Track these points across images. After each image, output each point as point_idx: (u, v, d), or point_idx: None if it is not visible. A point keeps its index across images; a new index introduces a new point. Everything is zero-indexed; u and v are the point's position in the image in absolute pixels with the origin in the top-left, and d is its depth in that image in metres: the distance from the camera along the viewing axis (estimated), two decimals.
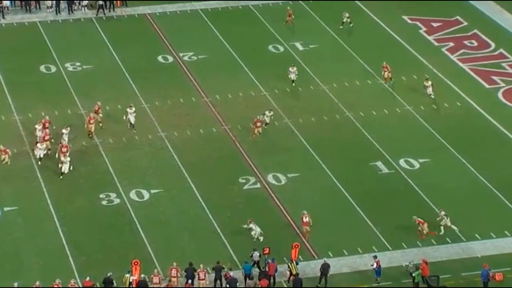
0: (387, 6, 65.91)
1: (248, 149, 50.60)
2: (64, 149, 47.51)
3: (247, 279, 41.04)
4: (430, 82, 54.51)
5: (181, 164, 49.07)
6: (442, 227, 44.25)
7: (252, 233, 42.96)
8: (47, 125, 49.50)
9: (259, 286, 40.21)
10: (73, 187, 46.87)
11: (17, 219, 44.44)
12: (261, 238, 42.94)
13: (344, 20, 62.55)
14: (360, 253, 43.12)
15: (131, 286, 39.82)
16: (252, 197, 46.95)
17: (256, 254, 41.45)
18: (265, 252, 41.68)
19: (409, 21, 65.00)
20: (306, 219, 43.73)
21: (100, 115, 51.03)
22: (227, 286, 40.16)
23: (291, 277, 40.85)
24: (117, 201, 46.14)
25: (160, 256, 42.39)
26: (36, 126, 49.14)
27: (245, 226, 43.16)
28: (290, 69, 55.75)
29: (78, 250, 42.68)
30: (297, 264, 41.22)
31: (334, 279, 41.66)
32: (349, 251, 43.22)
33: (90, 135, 50.15)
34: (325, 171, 49.07)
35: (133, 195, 46.58)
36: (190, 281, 40.41)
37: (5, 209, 45.00)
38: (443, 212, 44.49)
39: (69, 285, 39.60)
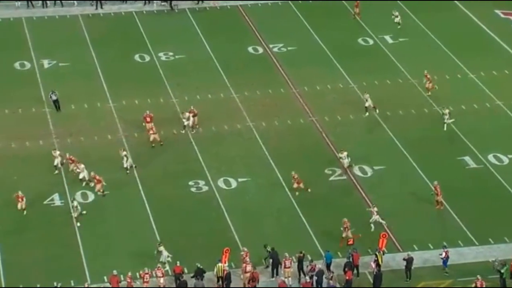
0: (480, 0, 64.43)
1: (334, 141, 50.21)
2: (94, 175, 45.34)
3: (329, 268, 40.77)
4: (447, 111, 50.75)
5: (269, 154, 49.05)
6: (372, 225, 43.34)
7: (163, 256, 41.07)
8: (148, 119, 49.42)
9: (346, 277, 39.95)
10: (163, 174, 47.33)
11: (109, 204, 45.12)
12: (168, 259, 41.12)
13: (396, 21, 60.73)
14: (445, 247, 42.30)
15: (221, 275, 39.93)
16: (337, 188, 46.59)
17: (269, 248, 40.97)
18: (349, 243, 41.31)
19: (502, 15, 63.32)
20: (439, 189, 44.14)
21: (196, 111, 50.30)
22: (316, 278, 39.93)
23: (376, 268, 40.35)
24: (205, 188, 46.41)
25: (246, 243, 42.33)
26: (52, 152, 46.90)
27: (157, 250, 41.22)
28: (364, 95, 52.06)
29: (167, 236, 43.06)
30: (383, 254, 40.77)
31: (418, 272, 41.00)
32: (434, 244, 42.43)
33: (196, 127, 49.77)
34: (411, 164, 48.32)
35: (221, 183, 46.78)
36: (278, 278, 40.29)
37: (98, 193, 45.67)
38: (375, 209, 43.38)
39: (157, 270, 40.01)
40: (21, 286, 39.79)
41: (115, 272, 39.57)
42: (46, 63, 56.39)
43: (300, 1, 64.28)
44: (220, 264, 40.10)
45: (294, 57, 58.23)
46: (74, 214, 43.36)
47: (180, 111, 51.97)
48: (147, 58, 57.80)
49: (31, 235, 42.76)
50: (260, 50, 59.17)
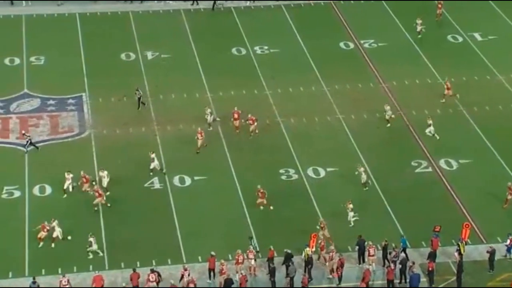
0: None
1: (421, 134, 49.58)
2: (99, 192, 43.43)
3: (405, 252, 40.39)
4: (431, 121, 48.68)
5: (357, 146, 48.81)
6: (352, 221, 42.38)
7: (91, 248, 40.68)
8: (235, 116, 49.30)
9: (429, 268, 39.57)
10: (256, 161, 47.64)
11: (205, 188, 45.69)
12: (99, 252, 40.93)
13: (418, 29, 58.48)
14: (510, 235, 41.21)
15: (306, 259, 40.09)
16: (423, 181, 46.05)
17: (254, 241, 40.92)
18: (435, 229, 40.87)
19: None
20: None
21: (255, 118, 49.22)
22: (400, 266, 39.73)
23: (459, 257, 39.75)
24: (295, 176, 46.53)
25: (332, 230, 42.32)
26: (65, 175, 44.39)
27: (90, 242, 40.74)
28: (385, 106, 50.10)
29: (257, 221, 43.37)
30: (466, 244, 40.29)
31: (502, 264, 40.37)
32: None
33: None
34: (497, 159, 47.32)
35: (310, 172, 46.84)
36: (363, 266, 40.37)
37: (195, 178, 46.36)
38: (350, 205, 42.39)
39: (249, 252, 40.33)
40: (122, 264, 40.76)
41: (213, 253, 39.99)
42: (149, 55, 57.38)
43: (392, 0, 63.42)
44: (307, 249, 40.20)
45: (384, 52, 57.68)
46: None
47: (273, 102, 52.20)
48: (244, 52, 58.15)
49: (131, 216, 43.70)
50: (351, 45, 58.83)
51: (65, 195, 44.48)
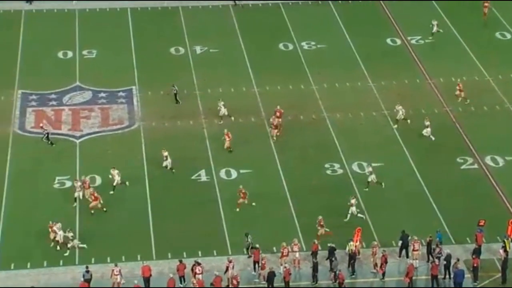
0: None
1: (467, 130, 48.71)
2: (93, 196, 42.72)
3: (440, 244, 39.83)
4: (428, 123, 47.51)
5: (402, 141, 48.14)
6: (348, 215, 41.86)
7: (73, 243, 40.25)
8: (277, 114, 48.59)
9: (473, 263, 38.93)
10: (302, 156, 47.29)
11: (250, 182, 45.42)
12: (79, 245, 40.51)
13: (434, 30, 57.15)
14: None
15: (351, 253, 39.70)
16: (468, 177, 45.29)
17: (250, 237, 40.26)
18: (480, 224, 40.23)
19: None
20: None
21: (275, 124, 48.35)
22: (445, 262, 39.17)
23: (504, 254, 38.97)
24: (340, 171, 46.07)
25: (376, 225, 41.97)
26: (74, 183, 43.78)
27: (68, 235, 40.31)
28: (396, 107, 49.19)
29: (302, 214, 43.06)
30: (511, 241, 39.56)
31: None
32: None
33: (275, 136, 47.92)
34: None
35: (355, 167, 46.31)
36: (404, 251, 39.76)
37: (241, 171, 46.18)
38: (353, 200, 41.66)
39: (293, 245, 40.01)
40: (169, 255, 40.77)
41: (257, 245, 39.84)
42: (198, 49, 57.34)
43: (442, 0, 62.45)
44: (351, 243, 39.77)
45: (431, 49, 56.84)
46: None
47: (319, 97, 51.76)
48: (291, 47, 57.77)
49: (179, 207, 43.68)
50: (398, 41, 58.04)
51: (75, 204, 43.23)
